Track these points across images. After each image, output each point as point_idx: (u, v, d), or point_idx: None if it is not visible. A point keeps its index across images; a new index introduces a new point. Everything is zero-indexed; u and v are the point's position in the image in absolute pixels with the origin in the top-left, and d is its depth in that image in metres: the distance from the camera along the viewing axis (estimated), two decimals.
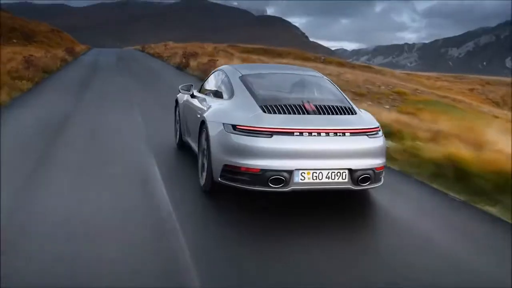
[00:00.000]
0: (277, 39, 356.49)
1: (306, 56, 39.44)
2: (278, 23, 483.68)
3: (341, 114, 3.98)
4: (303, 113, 3.83)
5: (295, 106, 3.89)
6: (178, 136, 5.93)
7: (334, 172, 3.69)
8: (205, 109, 4.45)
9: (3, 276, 2.49)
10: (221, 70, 5.09)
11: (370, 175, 3.80)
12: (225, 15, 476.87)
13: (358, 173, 3.73)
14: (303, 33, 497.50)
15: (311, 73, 5.07)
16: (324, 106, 3.99)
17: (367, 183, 3.82)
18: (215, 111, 4.22)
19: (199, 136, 4.39)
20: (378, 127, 4.00)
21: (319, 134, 3.68)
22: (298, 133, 3.64)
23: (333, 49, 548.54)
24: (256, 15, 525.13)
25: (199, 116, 4.51)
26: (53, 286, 2.51)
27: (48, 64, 16.85)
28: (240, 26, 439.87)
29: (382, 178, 4.05)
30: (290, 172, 3.59)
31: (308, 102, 3.98)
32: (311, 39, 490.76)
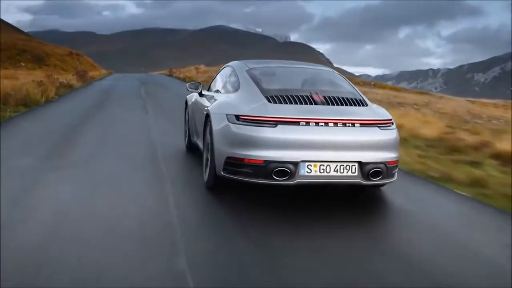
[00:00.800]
0: None
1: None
2: (302, 49, 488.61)
3: (351, 105, 3.79)
4: (311, 104, 3.67)
5: (302, 96, 3.73)
6: (187, 138, 5.83)
7: (343, 165, 3.48)
8: (211, 103, 4.34)
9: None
10: (229, 66, 4.92)
11: (382, 169, 3.59)
12: (249, 41, 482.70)
13: (369, 166, 3.53)
14: (327, 59, 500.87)
15: (321, 68, 4.93)
16: (334, 97, 3.82)
17: (379, 178, 3.61)
18: (219, 103, 4.11)
19: (204, 131, 4.30)
20: (391, 119, 3.80)
21: (326, 124, 3.49)
22: (304, 123, 3.47)
23: (357, 74, 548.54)
24: (280, 41, 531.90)
25: (205, 112, 4.35)
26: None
27: (35, 93, 11.02)
28: (264, 52, 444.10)
29: (395, 174, 3.84)
30: (296, 164, 3.40)
31: (317, 93, 3.82)
32: (335, 65, 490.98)
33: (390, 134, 3.70)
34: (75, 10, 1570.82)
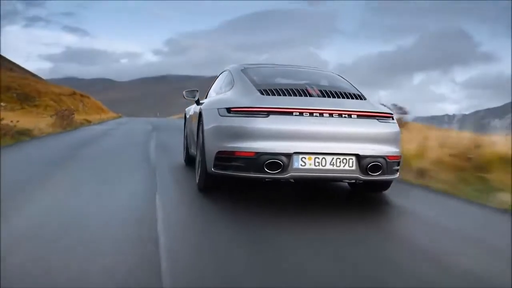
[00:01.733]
0: None
1: None
2: None
3: (348, 98, 3.71)
4: (306, 96, 3.59)
5: (297, 90, 3.64)
6: (185, 151, 5.82)
7: (339, 158, 3.37)
8: (203, 105, 4.32)
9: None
10: (225, 69, 4.89)
11: (382, 164, 3.47)
12: None
13: (367, 160, 3.41)
14: None
15: (321, 69, 4.88)
16: (330, 91, 3.74)
17: (378, 173, 3.47)
18: (212, 101, 4.12)
19: (197, 133, 4.24)
20: (390, 114, 3.71)
21: (321, 115, 3.40)
22: (297, 113, 3.38)
23: None
24: None
25: (198, 112, 4.34)
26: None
27: None
28: None
29: (398, 171, 3.72)
30: (289, 156, 3.30)
31: (312, 87, 3.75)
32: None
33: (390, 128, 3.60)
34: (94, 58, 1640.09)
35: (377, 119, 3.55)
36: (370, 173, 3.41)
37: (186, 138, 5.84)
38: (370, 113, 3.52)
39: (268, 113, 3.35)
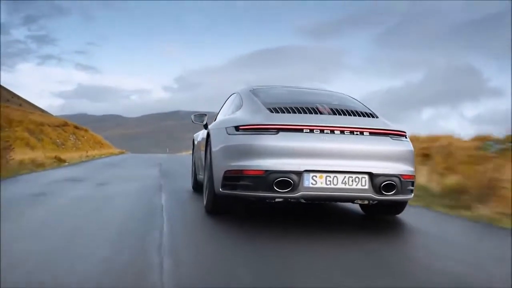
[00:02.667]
0: None
1: None
2: None
3: (360, 116, 3.66)
4: (316, 114, 3.54)
5: (307, 108, 3.60)
6: (193, 178, 5.82)
7: (352, 177, 3.29)
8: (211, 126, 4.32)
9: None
10: (234, 92, 4.91)
11: (396, 183, 3.39)
12: None
13: (381, 178, 3.34)
14: None
15: (332, 90, 4.84)
16: (341, 109, 3.68)
17: (392, 192, 3.39)
18: (220, 121, 4.10)
19: (205, 155, 4.19)
20: (404, 132, 3.66)
21: (332, 132, 3.35)
22: (308, 130, 3.34)
23: None
24: None
25: (206, 133, 4.34)
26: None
27: None
28: None
29: (412, 191, 3.61)
30: (299, 174, 3.24)
31: (323, 105, 3.70)
32: None
33: (404, 146, 3.56)
34: (104, 95, 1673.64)
35: (390, 136, 3.50)
36: (384, 192, 3.34)
37: (194, 164, 5.86)
38: (383, 130, 3.48)
39: (277, 130, 3.33)
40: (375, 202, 3.48)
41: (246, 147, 3.32)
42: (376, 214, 4.21)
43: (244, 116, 3.66)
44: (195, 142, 5.81)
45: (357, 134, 3.36)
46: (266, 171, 3.23)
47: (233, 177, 3.37)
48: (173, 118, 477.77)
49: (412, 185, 3.60)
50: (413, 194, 3.64)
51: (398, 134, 3.55)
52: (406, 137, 3.66)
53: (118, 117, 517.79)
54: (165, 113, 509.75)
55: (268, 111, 3.55)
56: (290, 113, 3.49)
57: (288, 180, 3.19)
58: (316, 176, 3.23)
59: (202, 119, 5.19)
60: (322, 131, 3.31)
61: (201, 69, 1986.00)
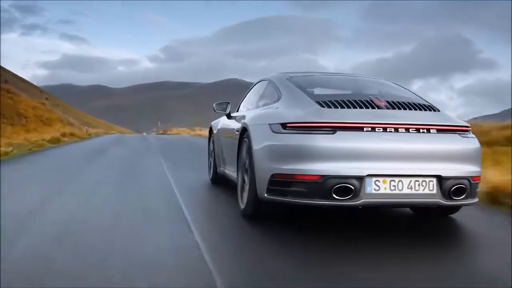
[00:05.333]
0: None
1: None
2: None
3: (420, 110, 3.34)
4: (373, 108, 3.21)
5: (361, 101, 3.25)
6: (212, 170, 5.56)
7: (419, 181, 3.01)
8: (245, 119, 3.94)
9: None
10: (262, 80, 4.58)
11: (466, 186, 3.13)
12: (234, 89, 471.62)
13: (450, 182, 3.07)
14: None
15: (371, 76, 4.57)
16: (398, 102, 3.35)
17: (462, 197, 3.14)
18: (259, 114, 3.75)
19: (238, 152, 3.90)
20: (468, 127, 3.37)
21: (396, 130, 3.04)
22: (369, 129, 3.02)
23: None
24: None
25: (237, 131, 4.04)
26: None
27: None
28: None
29: (476, 194, 3.36)
30: (361, 179, 2.93)
31: (377, 98, 3.36)
32: None
33: (472, 143, 3.29)
34: (90, 65, 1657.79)
35: (459, 133, 3.23)
36: (453, 197, 3.09)
37: (212, 155, 5.56)
38: (451, 127, 3.21)
39: (334, 129, 2.99)
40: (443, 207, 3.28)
41: (298, 148, 2.98)
42: (427, 214, 3.89)
43: (290, 111, 3.31)
44: (214, 131, 5.47)
45: (423, 131, 3.09)
46: (323, 176, 2.91)
47: (282, 182, 3.06)
48: (160, 89, 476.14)
49: (478, 187, 3.37)
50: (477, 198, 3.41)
51: (464, 130, 3.29)
52: (470, 132, 3.39)
53: (104, 88, 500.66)
54: (153, 84, 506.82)
55: (318, 105, 3.20)
56: (343, 107, 3.16)
57: (349, 187, 2.90)
58: (379, 181, 2.95)
59: (225, 107, 4.94)
60: (385, 129, 3.01)
61: (188, 39, 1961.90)
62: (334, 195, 2.90)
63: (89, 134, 27.24)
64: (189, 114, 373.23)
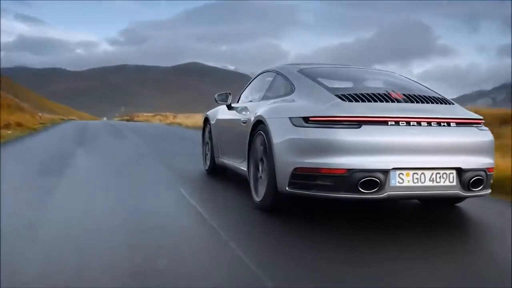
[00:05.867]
0: None
1: None
2: None
3: (436, 103, 3.44)
4: (392, 102, 3.27)
5: (379, 94, 3.32)
6: (209, 160, 5.42)
7: (440, 173, 3.12)
8: (255, 111, 3.94)
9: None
10: (269, 71, 4.59)
11: (483, 178, 3.28)
12: (225, 79, 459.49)
13: (469, 174, 3.19)
14: None
15: (376, 68, 4.70)
16: (414, 95, 3.43)
17: (479, 188, 3.29)
18: (275, 107, 3.69)
19: (250, 144, 3.87)
20: (482, 119, 3.48)
21: (419, 123, 3.14)
22: (393, 122, 3.08)
23: None
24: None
25: (244, 123, 4.16)
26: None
27: None
28: (240, 89, 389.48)
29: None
30: (386, 173, 3.00)
31: (393, 91, 3.44)
32: None
33: (488, 136, 3.41)
34: (47, 47, 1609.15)
35: (475, 126, 3.37)
36: (472, 188, 3.22)
37: (209, 145, 5.45)
38: (468, 120, 3.35)
39: (359, 123, 3.04)
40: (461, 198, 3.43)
41: (323, 142, 3.03)
42: (433, 203, 4.01)
43: (309, 105, 3.34)
44: (211, 121, 5.36)
45: (444, 125, 3.19)
46: (349, 170, 2.97)
47: (306, 176, 3.11)
48: (121, 73, 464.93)
49: (491, 178, 3.48)
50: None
51: (479, 123, 3.42)
52: (483, 125, 3.48)
53: (62, 71, 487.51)
54: (113, 67, 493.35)
55: (338, 99, 3.23)
56: (364, 101, 3.20)
57: (375, 180, 2.97)
58: (403, 174, 3.04)
59: (226, 97, 4.90)
60: (408, 123, 3.10)
61: (149, 22, 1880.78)
62: (360, 189, 2.97)
63: (42, 123, 21.48)
64: (151, 98, 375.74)
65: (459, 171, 3.20)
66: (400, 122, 3.12)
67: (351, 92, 3.35)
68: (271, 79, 4.43)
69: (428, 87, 3.98)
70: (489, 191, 3.48)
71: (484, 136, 3.41)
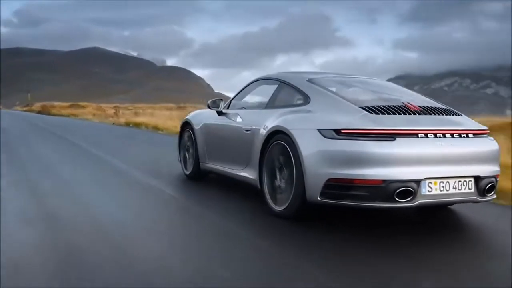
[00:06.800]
0: (184, 89, 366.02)
1: None
2: (183, 73, 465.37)
3: (448, 115, 3.72)
4: (411, 114, 3.52)
5: (398, 106, 3.57)
6: (193, 165, 5.32)
7: (461, 181, 3.41)
8: (263, 119, 4.06)
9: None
10: (269, 78, 4.71)
11: (495, 184, 3.60)
12: (127, 64, 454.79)
13: (485, 181, 3.50)
14: (208, 84, 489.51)
15: (373, 78, 4.94)
16: (427, 107, 3.71)
17: (492, 193, 3.60)
18: (296, 118, 3.76)
19: (262, 153, 3.93)
20: (488, 130, 3.77)
21: (444, 135, 3.40)
22: (423, 135, 3.34)
23: None
24: (157, 65, 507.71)
25: (247, 131, 4.23)
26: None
27: None
28: (144, 75, 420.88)
29: None
30: (418, 182, 3.24)
31: (410, 103, 3.68)
32: (216, 90, 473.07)
33: (496, 145, 3.72)
34: None
35: (486, 136, 3.67)
36: (486, 194, 3.52)
37: (191, 150, 5.42)
38: (482, 130, 3.66)
39: (393, 135, 3.25)
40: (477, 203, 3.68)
41: (358, 154, 3.20)
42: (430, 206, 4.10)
43: (337, 117, 3.47)
44: (195, 126, 5.28)
45: (463, 136, 3.48)
46: (385, 180, 3.17)
47: (340, 186, 3.27)
48: (16, 56, 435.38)
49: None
50: None
51: (487, 133, 3.70)
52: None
53: None
54: (6, 50, 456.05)
55: (365, 111, 3.41)
56: (389, 113, 3.43)
57: (410, 189, 3.20)
58: (431, 183, 3.29)
59: (218, 104, 4.93)
60: (435, 135, 3.35)
61: (45, 3, 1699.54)
62: (396, 198, 3.17)
63: None
64: (48, 84, 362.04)
65: (477, 178, 3.47)
66: (429, 134, 3.35)
67: (373, 104, 3.53)
68: (274, 87, 4.50)
69: (425, 97, 4.22)
70: (495, 195, 3.76)
71: (493, 145, 3.69)
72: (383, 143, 3.24)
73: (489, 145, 3.66)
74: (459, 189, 3.41)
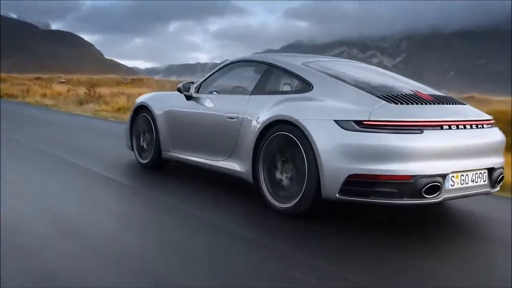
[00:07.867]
0: (73, 56, 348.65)
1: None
2: (71, 38, 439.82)
3: (455, 104, 3.54)
4: (426, 103, 3.28)
5: (411, 96, 3.34)
6: (152, 153, 4.82)
7: (477, 173, 3.26)
8: (255, 109, 3.70)
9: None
10: (252, 61, 4.33)
11: (503, 174, 3.49)
12: (5, 28, 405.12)
13: (497, 172, 3.39)
14: (99, 50, 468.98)
15: (356, 62, 4.65)
16: (437, 95, 3.56)
17: (500, 184, 3.50)
18: (303, 106, 3.40)
19: (258, 145, 3.57)
20: (493, 119, 3.62)
21: (464, 127, 3.22)
22: (447, 127, 3.12)
23: (130, 66, 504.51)
24: (41, 29, 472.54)
25: (231, 119, 3.85)
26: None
27: None
28: (27, 39, 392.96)
29: None
30: (444, 177, 3.04)
31: (420, 91, 3.50)
32: (106, 57, 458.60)
33: (502, 135, 3.57)
34: None
35: (491, 127, 3.48)
36: (496, 185, 3.44)
37: (150, 137, 4.87)
38: (492, 121, 3.51)
39: (421, 128, 3.01)
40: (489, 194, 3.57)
41: (384, 148, 2.92)
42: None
43: (353, 107, 3.15)
44: (156, 112, 4.75)
45: (480, 127, 3.33)
46: (414, 176, 2.93)
47: (364, 183, 2.99)
48: None
49: None
50: None
51: (493, 123, 3.55)
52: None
53: None
54: None
55: (384, 101, 3.13)
56: (407, 103, 3.18)
57: (437, 185, 2.99)
58: (453, 177, 3.11)
59: (189, 87, 4.45)
60: (457, 126, 3.17)
61: None
62: (424, 194, 2.95)
63: None
64: None
65: (490, 170, 3.34)
66: (452, 126, 3.14)
67: (389, 92, 3.29)
68: (257, 70, 4.10)
69: (420, 84, 3.97)
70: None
71: (501, 135, 3.53)
72: (412, 136, 2.97)
73: (498, 135, 3.51)
74: (476, 182, 3.26)
